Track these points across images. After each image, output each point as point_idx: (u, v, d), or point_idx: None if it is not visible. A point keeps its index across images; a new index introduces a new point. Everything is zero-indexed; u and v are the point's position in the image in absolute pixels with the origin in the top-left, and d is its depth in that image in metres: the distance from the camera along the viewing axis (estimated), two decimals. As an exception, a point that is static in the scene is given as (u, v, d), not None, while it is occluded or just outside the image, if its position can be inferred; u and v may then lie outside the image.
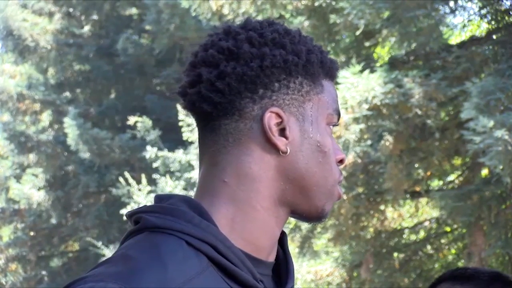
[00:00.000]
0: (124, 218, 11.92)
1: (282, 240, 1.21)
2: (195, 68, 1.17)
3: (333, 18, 7.57)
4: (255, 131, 1.14)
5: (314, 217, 1.19)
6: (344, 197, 7.97)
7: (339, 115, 1.21)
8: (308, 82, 1.16)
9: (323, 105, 1.18)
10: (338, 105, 1.21)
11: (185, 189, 12.41)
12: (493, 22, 7.77)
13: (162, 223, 1.10)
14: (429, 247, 9.40)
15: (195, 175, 12.20)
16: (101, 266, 1.06)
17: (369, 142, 7.63)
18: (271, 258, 1.17)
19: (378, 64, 7.92)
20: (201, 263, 1.07)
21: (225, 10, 8.18)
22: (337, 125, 1.20)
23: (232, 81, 1.13)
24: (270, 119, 1.13)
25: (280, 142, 1.14)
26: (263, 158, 1.14)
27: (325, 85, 1.19)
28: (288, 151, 1.14)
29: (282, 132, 1.14)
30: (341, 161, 1.20)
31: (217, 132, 1.16)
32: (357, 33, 7.60)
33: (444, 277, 1.77)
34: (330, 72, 1.20)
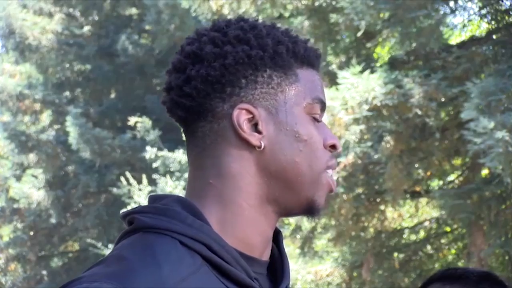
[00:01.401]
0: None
1: (277, 239, 1.21)
2: (169, 75, 1.19)
3: (333, 18, 7.57)
4: (228, 130, 1.14)
5: (306, 210, 1.18)
6: (344, 197, 7.97)
7: (322, 103, 1.18)
8: (278, 74, 1.15)
9: (299, 94, 1.16)
10: (321, 93, 1.19)
11: (185, 189, 12.42)
12: (493, 22, 7.77)
13: (155, 223, 1.10)
14: (429, 247, 9.41)
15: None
16: (96, 267, 1.08)
17: (369, 143, 7.63)
18: (265, 257, 1.18)
19: (378, 64, 7.92)
20: (195, 262, 1.08)
21: (225, 10, 8.18)
22: (317, 114, 1.18)
23: (198, 83, 1.14)
24: (239, 116, 1.13)
25: (252, 137, 1.14)
26: (242, 156, 1.14)
27: (301, 74, 1.17)
28: (263, 145, 1.14)
29: (255, 127, 1.14)
30: (333, 146, 1.19)
31: (195, 135, 1.17)
32: (359, 34, 7.60)
33: (434, 278, 1.78)
34: (306, 60, 1.18)
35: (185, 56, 1.16)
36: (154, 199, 1.17)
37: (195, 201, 1.14)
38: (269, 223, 1.16)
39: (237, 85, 1.14)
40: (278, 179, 1.15)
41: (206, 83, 1.14)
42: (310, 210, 1.18)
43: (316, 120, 1.18)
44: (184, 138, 1.22)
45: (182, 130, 1.21)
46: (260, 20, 1.20)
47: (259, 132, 1.14)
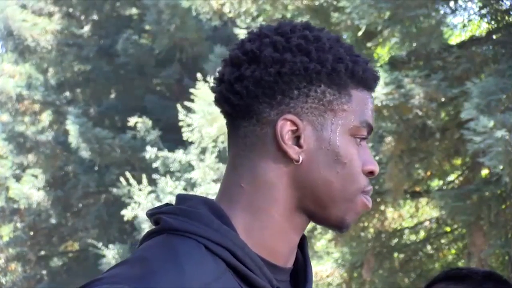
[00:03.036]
0: (125, 218, 11.84)
1: (302, 244, 1.20)
2: (224, 66, 1.17)
3: (334, 17, 7.57)
4: (269, 137, 1.13)
5: (333, 226, 1.17)
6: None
7: (370, 127, 1.16)
8: (332, 91, 1.13)
9: (348, 116, 1.14)
10: (369, 117, 1.16)
11: (185, 189, 12.41)
12: (493, 22, 7.77)
13: (181, 226, 1.09)
14: (429, 247, 9.41)
15: (195, 175, 12.20)
16: (118, 267, 1.06)
17: (370, 144, 7.63)
18: (290, 264, 1.16)
19: (378, 64, 7.92)
20: (219, 268, 1.07)
21: (226, 9, 8.18)
22: (366, 138, 1.17)
23: (250, 84, 1.12)
24: (284, 126, 1.12)
25: (292, 150, 1.12)
26: (277, 165, 1.13)
27: (355, 94, 1.15)
28: (301, 160, 1.12)
29: (297, 140, 1.12)
30: (371, 172, 1.17)
31: (237, 133, 1.15)
32: (359, 33, 7.60)
33: (438, 278, 1.78)
34: (363, 82, 1.16)
35: (243, 52, 1.14)
36: (181, 199, 1.15)
37: (224, 202, 1.13)
38: (297, 232, 1.15)
39: (288, 95, 1.12)
40: (310, 195, 1.13)
41: (258, 86, 1.12)
42: (337, 227, 1.17)
43: (359, 143, 1.16)
44: (227, 132, 1.20)
45: (226, 123, 1.19)
46: (325, 31, 1.18)
47: (300, 146, 1.12)
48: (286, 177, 1.13)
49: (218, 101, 1.17)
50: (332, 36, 1.17)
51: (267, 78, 1.12)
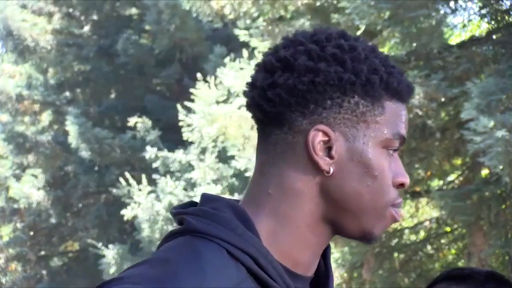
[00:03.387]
0: (125, 218, 11.81)
1: (325, 252, 1.19)
2: (257, 71, 1.16)
3: (335, 18, 7.57)
4: (300, 146, 1.12)
5: (360, 238, 1.16)
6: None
7: (402, 138, 1.15)
8: (365, 103, 1.12)
9: (380, 128, 1.13)
10: (402, 129, 1.15)
11: (185, 189, 12.42)
12: (493, 22, 7.77)
13: (206, 229, 1.08)
14: (429, 247, 9.41)
15: (195, 175, 12.20)
16: (138, 267, 1.05)
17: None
18: (310, 273, 1.15)
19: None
20: (240, 274, 1.06)
21: (227, 11, 8.17)
22: (397, 149, 1.15)
23: (283, 92, 1.11)
24: (316, 137, 1.11)
25: (323, 161, 1.11)
26: (307, 175, 1.12)
27: (388, 106, 1.14)
28: (331, 171, 1.11)
29: (329, 151, 1.11)
30: (401, 185, 1.16)
31: (268, 140, 1.14)
32: (358, 33, 7.60)
33: (440, 278, 1.78)
34: (397, 94, 1.14)
35: (277, 59, 1.13)
36: (206, 200, 1.14)
37: (250, 207, 1.12)
38: (321, 242, 1.15)
39: (321, 105, 1.11)
40: (338, 206, 1.12)
41: (291, 94, 1.10)
42: (364, 239, 1.16)
43: (391, 154, 1.15)
44: (257, 137, 1.19)
45: (257, 129, 1.18)
46: (361, 40, 1.16)
47: (331, 157, 1.11)
48: (315, 187, 1.12)
49: (249, 107, 1.16)
50: (368, 46, 1.15)
51: (301, 87, 1.10)
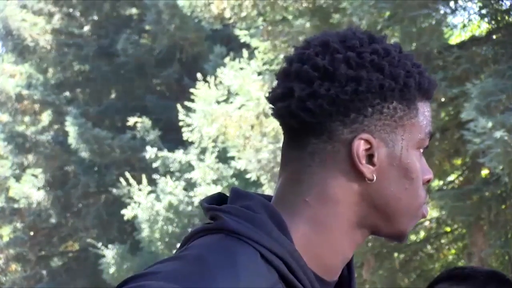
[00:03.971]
0: (125, 218, 11.79)
1: None
2: (288, 79, 1.13)
3: (335, 18, 7.56)
4: (342, 155, 1.11)
5: (395, 238, 1.17)
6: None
7: (431, 136, 1.18)
8: (402, 107, 1.13)
9: (416, 130, 1.14)
10: (431, 126, 1.17)
11: (185, 189, 12.42)
12: (493, 22, 7.77)
13: (241, 230, 1.07)
14: (429, 247, 9.41)
15: (195, 175, 12.19)
16: (173, 262, 1.04)
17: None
18: (336, 277, 1.16)
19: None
20: (272, 278, 1.06)
21: (227, 14, 8.17)
22: (425, 146, 1.17)
23: (325, 102, 1.10)
24: (359, 146, 1.10)
25: (367, 169, 1.11)
26: (349, 183, 1.11)
27: (420, 107, 1.15)
28: (375, 178, 1.11)
29: (370, 158, 1.11)
30: (428, 181, 1.18)
31: (303, 149, 1.13)
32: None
33: (441, 277, 1.77)
34: (427, 93, 1.16)
35: (313, 68, 1.11)
36: (238, 196, 1.13)
37: (284, 213, 1.11)
38: (352, 248, 1.15)
39: (363, 113, 1.11)
40: (377, 211, 1.13)
41: (333, 104, 1.10)
42: (398, 239, 1.17)
43: (421, 154, 1.17)
44: (284, 143, 1.17)
45: (285, 135, 1.16)
46: (385, 39, 1.16)
47: (373, 164, 1.11)
48: (356, 194, 1.12)
49: (282, 116, 1.14)
50: (396, 47, 1.16)
51: (343, 97, 1.10)
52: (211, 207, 1.13)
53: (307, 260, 1.09)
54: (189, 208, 12.43)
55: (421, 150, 1.16)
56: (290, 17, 7.99)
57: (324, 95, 1.10)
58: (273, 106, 1.15)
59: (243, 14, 7.95)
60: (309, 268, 1.09)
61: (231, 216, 1.09)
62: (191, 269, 1.02)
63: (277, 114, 1.15)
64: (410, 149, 1.14)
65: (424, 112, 1.16)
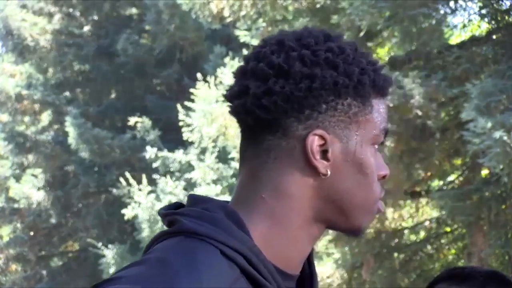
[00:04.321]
0: (126, 217, 11.82)
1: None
2: (244, 77, 1.16)
3: (335, 19, 7.56)
4: (297, 151, 1.13)
5: (351, 233, 1.19)
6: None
7: (387, 132, 1.19)
8: (357, 103, 1.15)
9: (370, 126, 1.16)
10: (386, 123, 1.19)
11: (185, 189, 12.42)
12: (493, 22, 7.77)
13: (199, 230, 1.09)
14: (429, 247, 9.41)
15: (195, 175, 12.20)
16: (136, 267, 1.06)
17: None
18: (298, 271, 1.18)
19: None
20: (234, 273, 1.08)
21: (226, 13, 8.17)
22: (383, 143, 1.19)
23: (279, 99, 1.11)
24: (313, 142, 1.12)
25: (321, 164, 1.13)
26: (303, 178, 1.13)
27: (375, 104, 1.17)
28: (329, 173, 1.13)
29: (324, 154, 1.13)
30: (383, 177, 1.19)
31: (259, 146, 1.15)
32: (360, 34, 7.60)
33: (441, 277, 1.77)
34: (382, 90, 1.18)
35: (269, 66, 1.13)
36: (195, 200, 1.16)
37: (241, 211, 1.13)
38: (311, 242, 1.17)
39: (317, 109, 1.13)
40: (332, 206, 1.15)
41: (287, 101, 1.12)
42: (355, 233, 1.19)
43: (376, 150, 1.18)
44: (241, 141, 1.19)
45: (242, 133, 1.19)
46: (344, 39, 1.19)
47: (327, 160, 1.13)
48: (310, 189, 1.14)
49: (238, 113, 1.16)
50: (352, 45, 1.17)
51: (297, 93, 1.12)
52: (168, 212, 1.15)
53: (267, 254, 1.11)
54: (189, 208, 12.40)
55: (376, 146, 1.17)
56: (290, 17, 7.99)
57: (278, 92, 1.12)
58: (230, 104, 1.17)
59: (243, 13, 7.95)
60: (269, 262, 1.11)
61: (188, 218, 1.11)
62: (153, 271, 1.04)
63: (234, 112, 1.17)
64: (365, 145, 1.15)
65: (379, 109, 1.17)
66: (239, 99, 1.15)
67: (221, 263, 1.07)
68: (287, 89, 1.12)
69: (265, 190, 1.14)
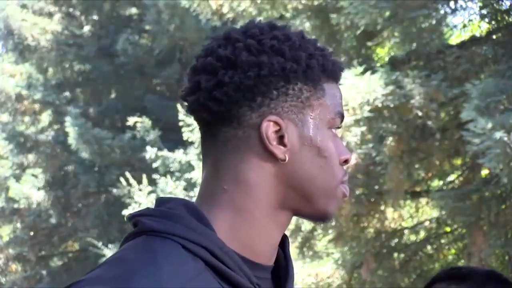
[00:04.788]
0: (125, 218, 12.03)
1: (283, 243, 1.22)
2: (196, 74, 1.17)
3: (334, 19, 7.56)
4: (253, 139, 1.14)
5: (318, 218, 1.20)
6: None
7: (342, 117, 1.20)
8: (308, 88, 1.16)
9: (324, 109, 1.17)
10: (341, 107, 1.20)
11: (185, 189, 12.41)
12: (493, 22, 7.77)
13: (158, 227, 1.10)
14: (429, 247, 9.40)
15: (195, 175, 12.20)
16: (97, 269, 1.07)
17: (370, 144, 7.62)
18: (271, 262, 1.18)
19: (378, 65, 7.92)
20: (198, 267, 1.08)
21: (225, 9, 8.17)
22: (340, 127, 1.20)
23: (230, 90, 1.13)
24: (268, 128, 1.14)
25: (278, 150, 1.14)
26: (262, 166, 1.14)
27: (327, 88, 1.18)
28: (287, 158, 1.14)
29: (281, 139, 1.14)
30: (345, 161, 1.20)
31: (217, 139, 1.16)
32: (357, 32, 7.60)
33: (439, 277, 1.78)
34: (333, 74, 1.19)
35: (217, 59, 1.15)
36: (160, 202, 1.16)
37: (205, 204, 1.14)
38: (278, 230, 1.17)
39: (268, 96, 1.14)
40: (294, 191, 1.15)
41: (238, 90, 1.13)
42: (322, 219, 1.20)
43: (335, 134, 1.19)
44: (200, 138, 1.21)
45: (200, 129, 1.20)
46: (290, 28, 1.20)
47: (284, 145, 1.14)
48: (271, 176, 1.14)
49: (193, 111, 1.18)
50: (298, 33, 1.19)
51: (247, 82, 1.13)
52: (131, 215, 1.16)
53: (233, 246, 1.11)
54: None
55: (334, 131, 1.19)
56: (288, 15, 7.99)
57: (228, 83, 1.13)
58: (186, 103, 1.18)
59: (241, 9, 7.95)
60: (234, 252, 1.11)
61: (149, 217, 1.13)
62: (113, 271, 1.04)
63: (189, 109, 1.18)
64: (321, 128, 1.16)
65: (332, 93, 1.19)
66: (193, 96, 1.17)
67: (182, 257, 1.07)
68: (237, 79, 1.13)
69: (226, 181, 1.15)
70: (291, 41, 1.16)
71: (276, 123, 1.14)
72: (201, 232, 1.10)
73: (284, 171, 1.14)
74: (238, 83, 1.13)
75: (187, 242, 1.08)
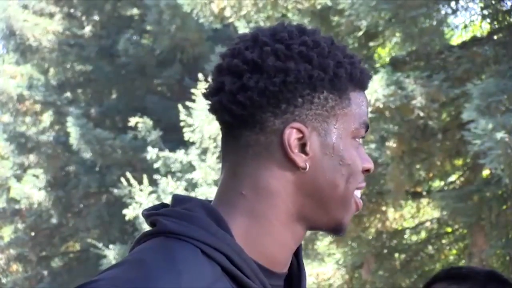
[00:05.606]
0: (127, 218, 11.84)
1: (297, 251, 1.20)
2: (220, 74, 1.16)
3: (335, 20, 7.56)
4: (275, 146, 1.13)
5: (333, 230, 1.19)
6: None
7: (367, 127, 1.19)
8: (334, 97, 1.14)
9: (349, 119, 1.15)
10: (367, 116, 1.19)
11: (186, 189, 12.41)
12: (494, 23, 7.77)
13: (179, 230, 1.09)
14: (430, 247, 9.40)
15: (196, 175, 12.20)
16: (115, 269, 1.06)
17: (372, 145, 7.62)
18: (285, 270, 1.17)
19: (378, 65, 7.92)
20: (215, 272, 1.07)
21: (227, 13, 8.17)
22: (364, 137, 1.19)
23: (254, 95, 1.12)
24: (291, 135, 1.12)
25: (299, 158, 1.13)
26: (282, 173, 1.13)
27: (353, 97, 1.16)
28: (308, 167, 1.13)
29: (303, 147, 1.13)
30: (367, 170, 1.19)
31: (238, 142, 1.15)
32: (359, 34, 7.60)
33: (438, 277, 1.77)
34: (360, 83, 1.18)
35: (243, 61, 1.13)
36: (178, 200, 1.15)
37: (223, 208, 1.13)
38: (295, 239, 1.16)
39: (293, 103, 1.12)
40: (313, 200, 1.14)
41: (262, 95, 1.11)
42: (336, 230, 1.19)
43: (359, 143, 1.18)
44: (221, 138, 1.20)
45: (221, 130, 1.19)
46: (320, 33, 1.18)
47: (306, 153, 1.13)
48: (290, 184, 1.13)
49: (215, 110, 1.17)
50: (328, 39, 1.17)
51: (272, 88, 1.11)
52: (150, 213, 1.14)
53: (249, 252, 1.10)
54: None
55: (358, 140, 1.17)
56: (289, 16, 7.98)
57: (253, 87, 1.11)
58: (209, 102, 1.18)
59: (243, 13, 7.95)
60: (252, 260, 1.10)
61: (168, 218, 1.11)
62: (131, 273, 1.03)
63: (212, 109, 1.17)
64: (344, 138, 1.15)
65: (358, 102, 1.17)
66: (216, 96, 1.16)
67: (201, 263, 1.06)
68: (262, 84, 1.11)
69: (244, 186, 1.13)
70: (320, 48, 1.14)
71: (299, 130, 1.12)
72: (220, 237, 1.09)
73: (304, 180, 1.13)
74: (263, 88, 1.11)
75: (206, 246, 1.07)
